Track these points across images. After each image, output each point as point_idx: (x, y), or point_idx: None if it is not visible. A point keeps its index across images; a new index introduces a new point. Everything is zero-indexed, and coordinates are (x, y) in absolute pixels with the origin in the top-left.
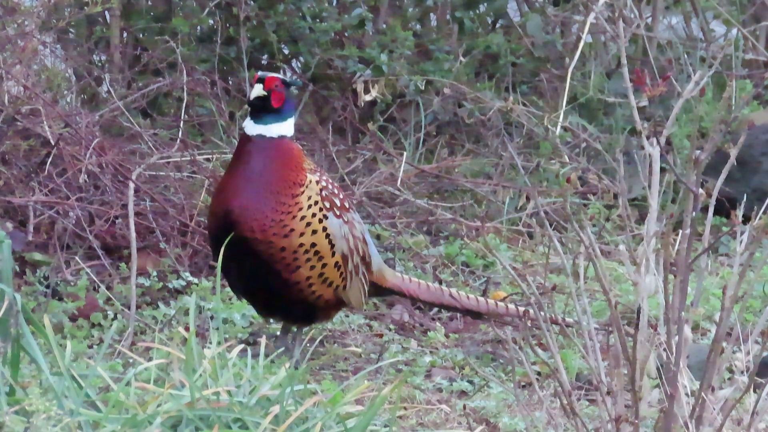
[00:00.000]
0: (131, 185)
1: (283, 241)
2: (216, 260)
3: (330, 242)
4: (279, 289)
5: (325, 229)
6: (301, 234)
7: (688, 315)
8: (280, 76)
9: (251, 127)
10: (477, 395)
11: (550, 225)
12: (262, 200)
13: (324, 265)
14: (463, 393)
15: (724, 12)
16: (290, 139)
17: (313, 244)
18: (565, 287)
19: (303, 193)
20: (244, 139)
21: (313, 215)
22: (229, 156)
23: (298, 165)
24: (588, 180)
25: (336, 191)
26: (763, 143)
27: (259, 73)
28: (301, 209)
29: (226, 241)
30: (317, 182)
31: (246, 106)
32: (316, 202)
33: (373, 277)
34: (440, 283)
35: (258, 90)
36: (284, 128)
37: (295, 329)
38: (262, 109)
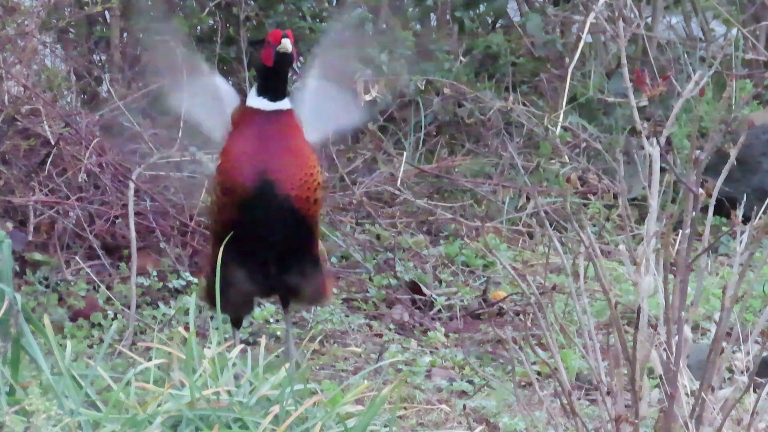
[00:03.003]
0: (131, 185)
1: (315, 194)
2: (235, 242)
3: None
4: (304, 248)
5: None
6: (322, 183)
7: (688, 315)
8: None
9: (266, 104)
10: (477, 395)
11: (550, 225)
12: (294, 159)
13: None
14: (463, 393)
15: (724, 12)
16: None
17: (324, 189)
18: (565, 287)
19: (311, 147)
20: (258, 113)
21: (317, 161)
22: None
23: (300, 126)
24: (588, 180)
25: None
26: (763, 143)
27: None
28: (317, 159)
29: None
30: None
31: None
32: (315, 151)
33: None
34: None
35: (288, 44)
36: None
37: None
38: (281, 83)
